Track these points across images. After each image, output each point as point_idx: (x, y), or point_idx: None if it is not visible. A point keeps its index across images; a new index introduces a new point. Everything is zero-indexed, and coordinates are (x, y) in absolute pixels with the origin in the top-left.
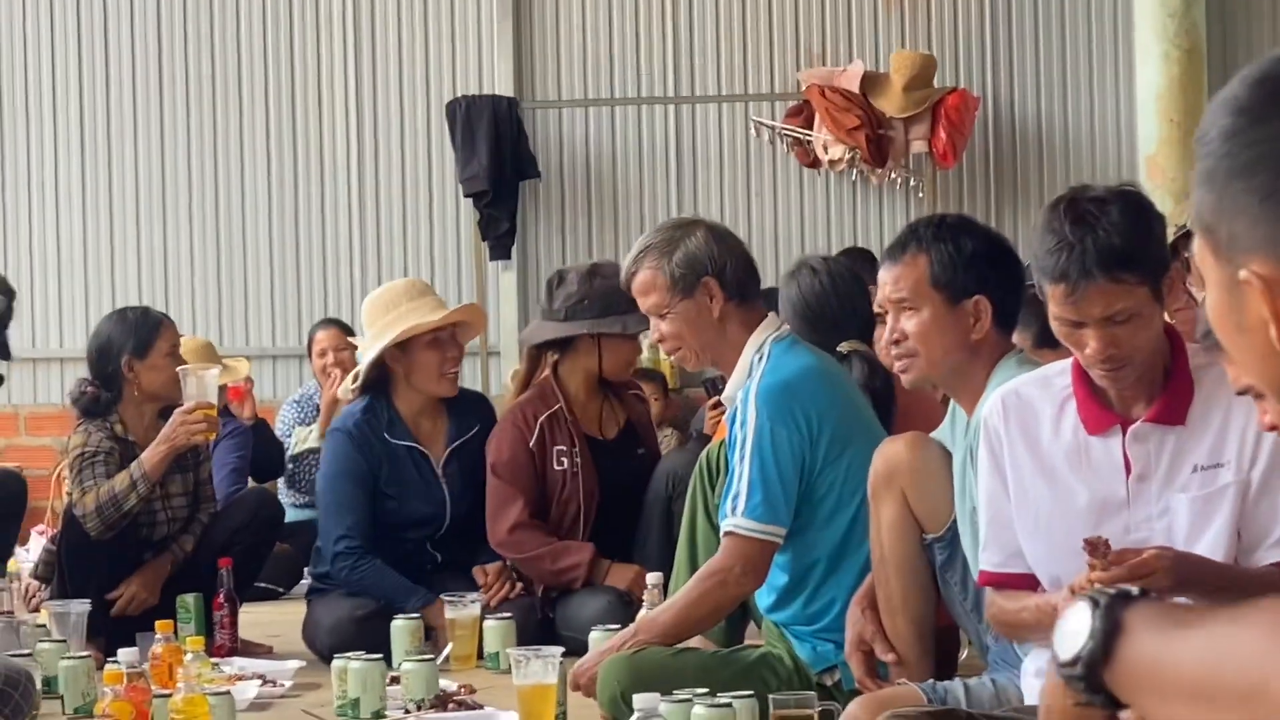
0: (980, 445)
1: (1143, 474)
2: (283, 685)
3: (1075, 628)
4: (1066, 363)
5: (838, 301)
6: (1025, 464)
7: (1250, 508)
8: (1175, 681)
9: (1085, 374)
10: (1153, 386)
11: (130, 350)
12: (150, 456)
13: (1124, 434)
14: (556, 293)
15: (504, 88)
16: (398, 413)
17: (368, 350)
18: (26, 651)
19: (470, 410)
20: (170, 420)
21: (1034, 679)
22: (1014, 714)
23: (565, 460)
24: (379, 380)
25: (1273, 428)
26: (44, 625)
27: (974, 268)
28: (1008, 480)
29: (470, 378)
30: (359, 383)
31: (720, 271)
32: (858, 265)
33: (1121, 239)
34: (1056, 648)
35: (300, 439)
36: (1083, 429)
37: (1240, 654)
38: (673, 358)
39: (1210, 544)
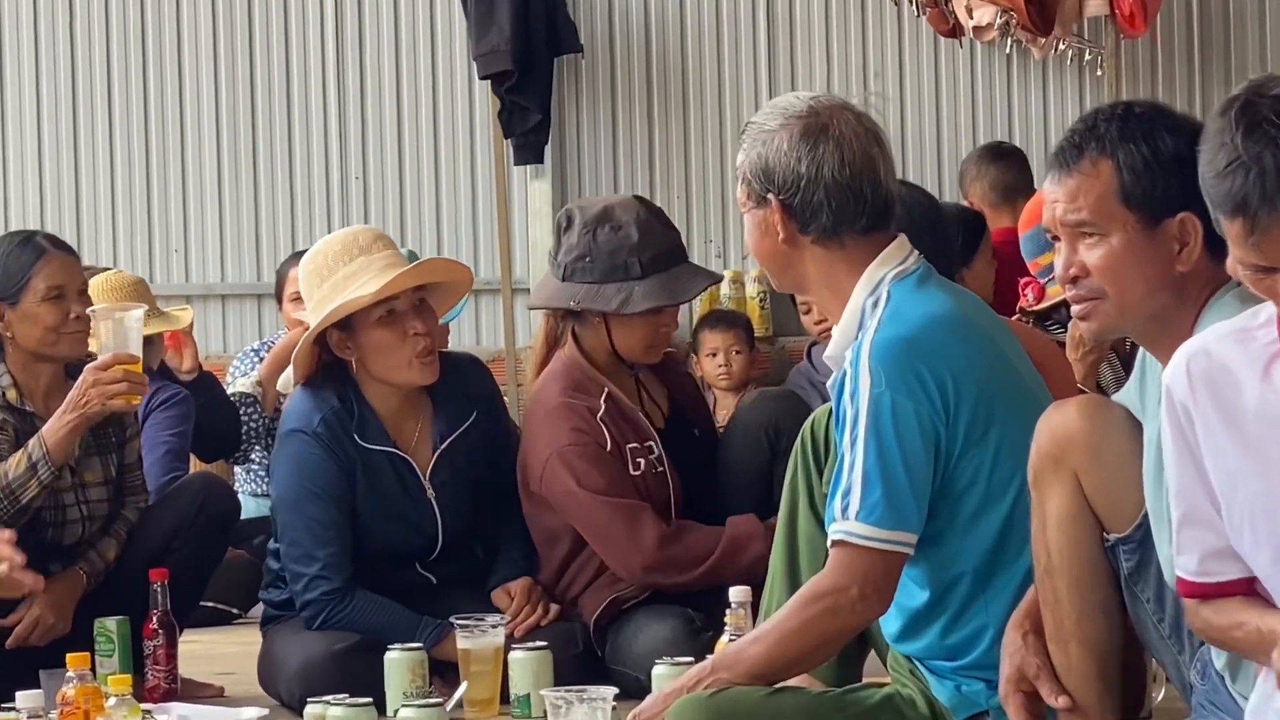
0: (1165, 421)
1: None
2: None
3: None
4: (1271, 309)
5: (914, 237)
6: (1225, 444)
7: None
8: None
9: None
10: None
11: None
12: (53, 430)
13: None
14: (561, 239)
15: None
16: (370, 408)
17: (312, 317)
18: None
19: (460, 391)
20: (79, 380)
21: None
22: None
23: (641, 460)
24: (336, 368)
25: None
26: None
27: (1178, 174)
28: (1204, 465)
29: (490, 323)
30: (295, 379)
31: (791, 194)
32: (999, 168)
33: None
34: None
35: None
36: None
37: None
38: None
39: None
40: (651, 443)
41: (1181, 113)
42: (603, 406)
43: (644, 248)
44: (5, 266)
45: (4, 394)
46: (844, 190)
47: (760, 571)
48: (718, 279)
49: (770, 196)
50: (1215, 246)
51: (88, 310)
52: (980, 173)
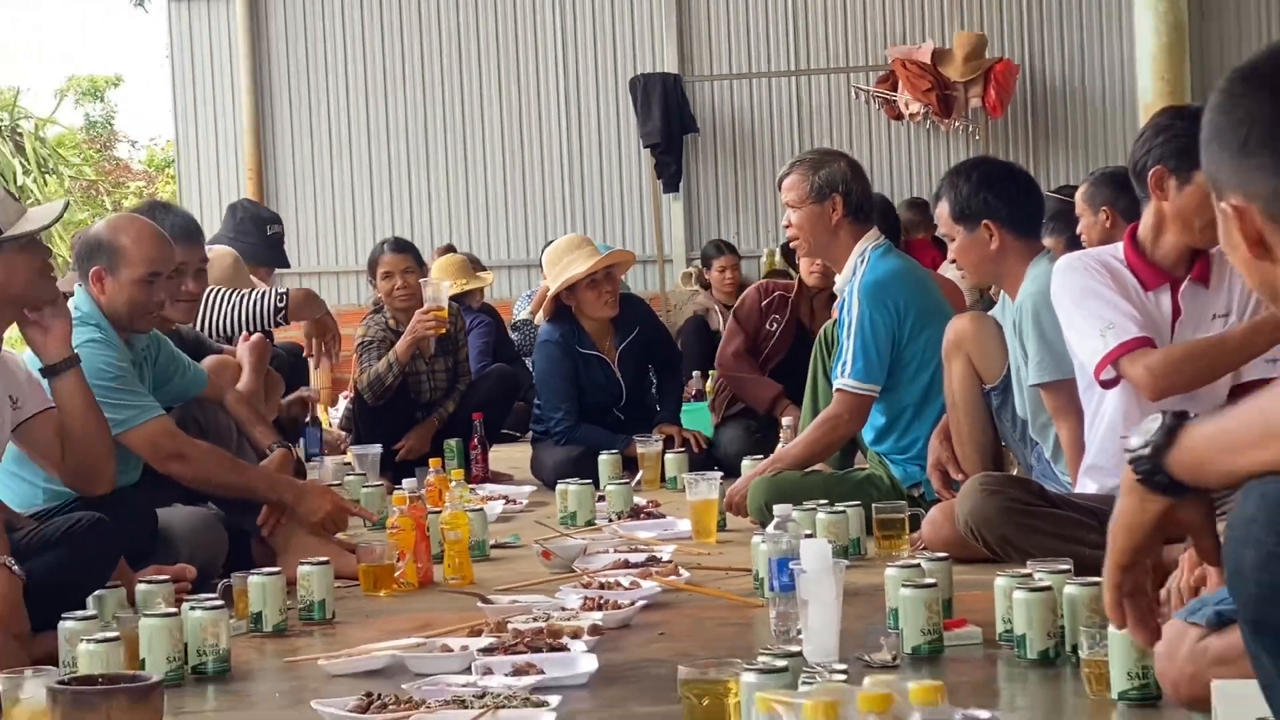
0: (1069, 283)
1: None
2: (521, 502)
3: (1147, 427)
4: (1111, 247)
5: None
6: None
7: None
8: (1240, 434)
9: (1135, 250)
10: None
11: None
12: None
13: (1174, 291)
14: None
15: (671, 66)
16: (584, 330)
17: (549, 284)
18: (337, 482)
19: (630, 317)
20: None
21: (1086, 477)
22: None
23: (773, 325)
24: (564, 308)
25: None
26: (349, 464)
27: (974, 201)
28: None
29: (651, 278)
30: (544, 316)
31: (847, 194)
32: (905, 211)
33: None
34: (1129, 445)
35: (522, 316)
36: (1134, 281)
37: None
38: (792, 243)
39: None
40: (782, 322)
41: (998, 161)
42: (780, 291)
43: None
44: (370, 259)
45: (388, 323)
46: (868, 193)
47: (760, 404)
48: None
49: (835, 194)
50: (1020, 231)
51: (419, 280)
52: (900, 214)
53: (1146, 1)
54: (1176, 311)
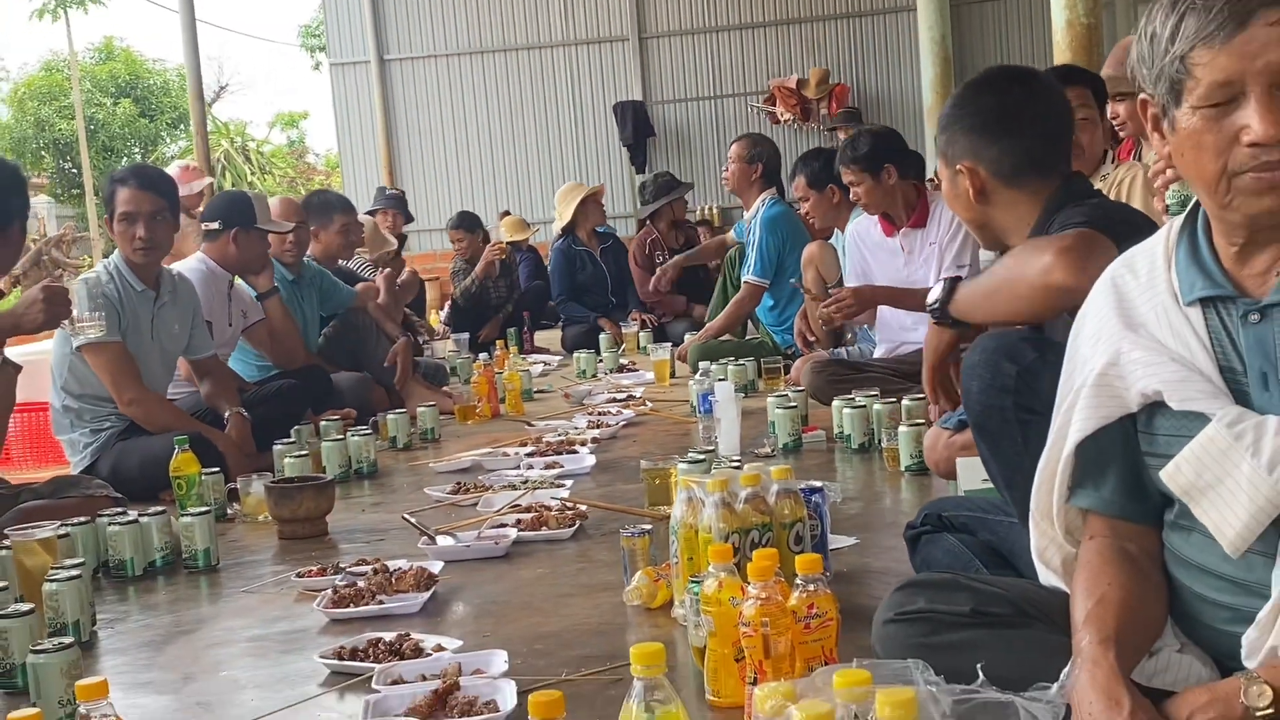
0: (849, 244)
1: (909, 251)
2: (552, 364)
3: (937, 289)
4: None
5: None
6: (870, 248)
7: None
8: (985, 287)
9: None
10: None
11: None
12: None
13: (897, 233)
14: (649, 187)
15: (637, 95)
16: (579, 239)
17: (561, 216)
18: (442, 358)
19: (606, 235)
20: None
21: (880, 346)
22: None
23: (659, 259)
24: (570, 228)
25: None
26: (453, 349)
27: (820, 175)
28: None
29: (629, 226)
30: (561, 228)
31: (766, 164)
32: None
33: None
34: (929, 299)
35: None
36: (880, 233)
37: (1003, 269)
38: (726, 184)
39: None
40: (664, 252)
41: (827, 148)
42: (649, 238)
43: (654, 184)
44: (447, 225)
45: (467, 263)
46: (778, 169)
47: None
48: (680, 193)
49: (759, 163)
50: (847, 194)
51: (491, 228)
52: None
53: (926, 45)
54: (904, 249)
